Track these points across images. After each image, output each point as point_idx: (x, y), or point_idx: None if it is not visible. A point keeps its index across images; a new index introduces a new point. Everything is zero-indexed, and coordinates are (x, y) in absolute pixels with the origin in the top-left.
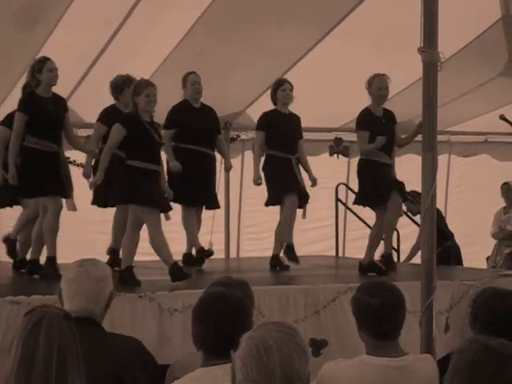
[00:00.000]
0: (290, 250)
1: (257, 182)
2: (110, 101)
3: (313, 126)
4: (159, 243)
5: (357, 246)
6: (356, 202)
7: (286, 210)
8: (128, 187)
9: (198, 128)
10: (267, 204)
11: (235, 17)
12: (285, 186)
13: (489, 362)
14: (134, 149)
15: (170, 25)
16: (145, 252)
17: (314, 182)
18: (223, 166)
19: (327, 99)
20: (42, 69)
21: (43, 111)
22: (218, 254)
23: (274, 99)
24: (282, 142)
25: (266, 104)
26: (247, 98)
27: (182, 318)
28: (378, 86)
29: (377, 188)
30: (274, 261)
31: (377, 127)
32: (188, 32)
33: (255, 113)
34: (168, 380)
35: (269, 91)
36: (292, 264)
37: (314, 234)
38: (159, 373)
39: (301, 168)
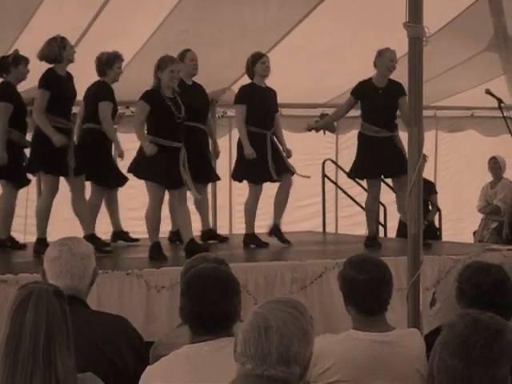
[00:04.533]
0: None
1: (252, 156)
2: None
3: (298, 102)
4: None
5: (348, 223)
6: (348, 176)
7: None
8: (146, 163)
9: (192, 105)
10: (234, 178)
11: None
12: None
13: (479, 336)
14: (155, 125)
15: (152, 5)
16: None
17: (288, 153)
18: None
19: (313, 75)
20: (65, 46)
21: (61, 89)
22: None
23: (251, 72)
24: (259, 117)
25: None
26: (233, 74)
27: (169, 295)
28: (390, 57)
29: (366, 161)
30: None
31: (372, 97)
32: (171, 11)
33: None
34: (152, 358)
35: None
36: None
37: (304, 211)
38: (146, 350)
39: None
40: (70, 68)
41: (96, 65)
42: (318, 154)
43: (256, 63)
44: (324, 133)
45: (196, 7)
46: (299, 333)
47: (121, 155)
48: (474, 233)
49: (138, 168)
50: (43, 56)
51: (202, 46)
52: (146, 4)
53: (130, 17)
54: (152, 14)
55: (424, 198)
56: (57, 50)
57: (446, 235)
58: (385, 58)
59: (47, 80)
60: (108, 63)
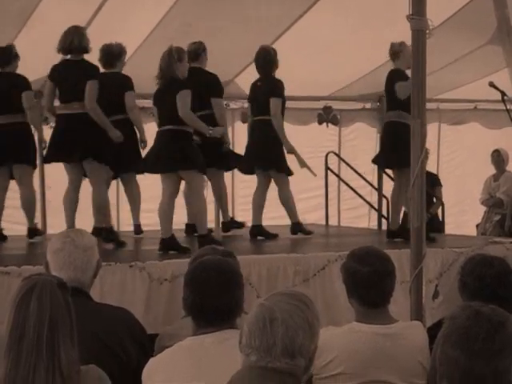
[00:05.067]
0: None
1: (293, 150)
2: None
3: (302, 95)
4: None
5: (351, 216)
6: (386, 166)
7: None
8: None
9: None
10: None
11: None
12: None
13: (480, 328)
14: None
15: None
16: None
17: None
18: None
19: (316, 68)
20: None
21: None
22: (209, 224)
23: (275, 66)
24: (283, 110)
25: (254, 73)
26: (235, 67)
27: (171, 288)
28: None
29: (400, 149)
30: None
31: None
32: (173, 4)
33: (244, 82)
34: (156, 349)
35: None
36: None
37: (307, 204)
38: (149, 342)
39: None
40: None
41: (103, 56)
42: (320, 147)
43: (276, 57)
44: (327, 125)
45: (198, 1)
46: (304, 325)
47: (145, 144)
48: (477, 226)
49: (188, 160)
50: (72, 47)
51: (204, 39)
52: None
53: (131, 11)
54: (154, 8)
55: (427, 191)
56: (85, 41)
57: (449, 228)
58: (410, 50)
59: (97, 71)
60: (119, 55)
